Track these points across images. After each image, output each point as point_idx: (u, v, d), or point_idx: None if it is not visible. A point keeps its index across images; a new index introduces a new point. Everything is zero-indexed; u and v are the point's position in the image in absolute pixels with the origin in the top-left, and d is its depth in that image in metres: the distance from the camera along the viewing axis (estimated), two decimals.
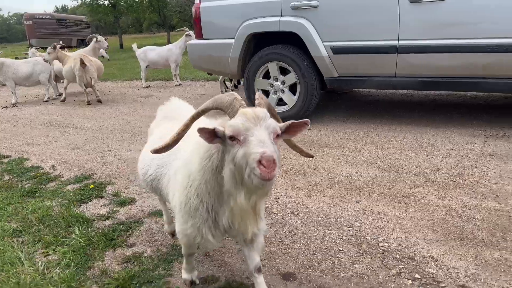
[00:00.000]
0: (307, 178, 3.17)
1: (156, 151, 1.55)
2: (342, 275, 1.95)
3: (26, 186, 3.47)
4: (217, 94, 1.48)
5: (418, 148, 3.62)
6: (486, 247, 2.07)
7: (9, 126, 6.00)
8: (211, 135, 1.38)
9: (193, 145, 1.63)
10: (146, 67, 8.91)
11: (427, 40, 3.85)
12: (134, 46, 9.17)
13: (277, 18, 4.49)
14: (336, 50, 4.28)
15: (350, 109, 5.31)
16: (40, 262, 2.24)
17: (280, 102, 4.81)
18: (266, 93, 4.85)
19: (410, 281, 1.86)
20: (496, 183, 2.80)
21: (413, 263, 1.99)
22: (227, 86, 7.74)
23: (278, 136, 1.41)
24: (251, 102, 4.90)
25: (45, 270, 2.17)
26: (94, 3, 28.87)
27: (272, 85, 4.81)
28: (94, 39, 8.61)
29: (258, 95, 1.53)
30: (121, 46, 26.03)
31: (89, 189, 3.27)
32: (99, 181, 3.45)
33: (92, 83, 7.25)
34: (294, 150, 1.77)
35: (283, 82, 4.72)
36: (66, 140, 4.90)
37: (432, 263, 1.98)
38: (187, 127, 1.51)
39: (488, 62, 3.68)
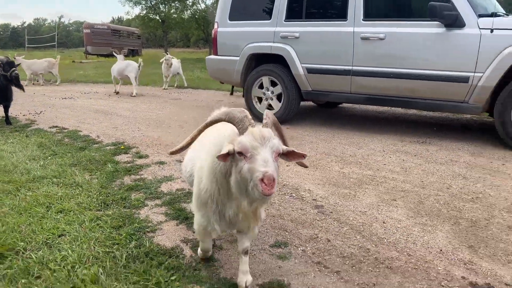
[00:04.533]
0: None
1: (172, 153, 1.81)
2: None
3: (79, 145, 5.10)
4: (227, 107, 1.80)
5: (354, 144, 4.97)
6: (340, 187, 3.44)
7: (68, 110, 7.81)
8: (226, 157, 1.57)
9: (208, 147, 1.81)
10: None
11: (371, 67, 5.24)
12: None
13: (270, 44, 6.02)
14: (310, 70, 5.74)
15: (326, 118, 6.70)
16: (87, 176, 3.81)
17: (269, 106, 6.29)
18: (260, 99, 6.35)
19: (287, 196, 3.27)
20: (384, 164, 4.13)
21: (295, 191, 3.40)
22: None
23: (279, 154, 1.61)
24: (248, 105, 6.42)
25: (89, 179, 3.73)
26: (146, 18, 31.76)
27: (264, 94, 6.30)
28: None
29: (266, 113, 1.71)
30: None
31: (120, 149, 4.85)
32: (127, 146, 5.03)
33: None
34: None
35: (272, 92, 6.21)
36: (108, 122, 6.59)
37: (306, 191, 3.38)
38: (200, 132, 1.72)
39: (413, 87, 5.02)
